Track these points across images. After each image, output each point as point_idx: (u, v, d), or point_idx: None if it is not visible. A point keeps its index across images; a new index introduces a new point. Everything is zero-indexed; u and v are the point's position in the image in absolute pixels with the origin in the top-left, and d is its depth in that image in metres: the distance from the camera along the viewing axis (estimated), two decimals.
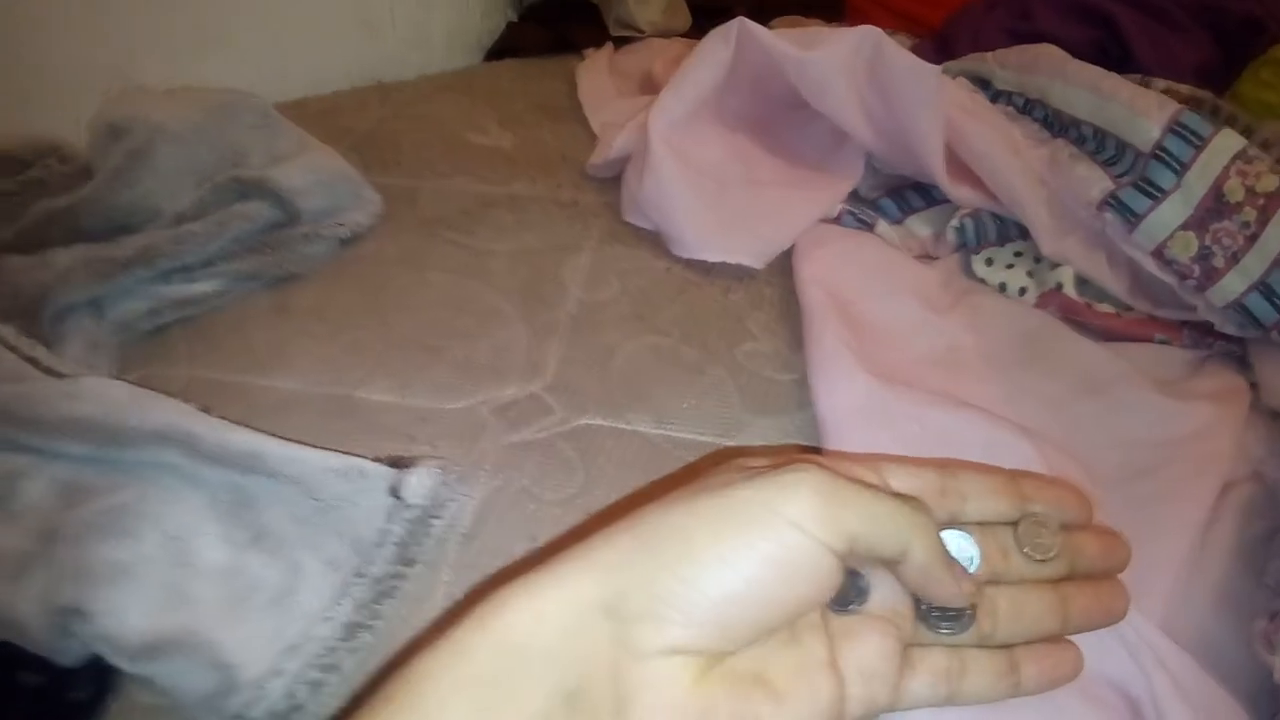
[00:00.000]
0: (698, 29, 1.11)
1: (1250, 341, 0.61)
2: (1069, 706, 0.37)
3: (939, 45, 1.06)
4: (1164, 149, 0.59)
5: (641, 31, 1.06)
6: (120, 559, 0.40)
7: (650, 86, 0.95)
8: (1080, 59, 0.95)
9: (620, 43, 1.06)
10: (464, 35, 1.09)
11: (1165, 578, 0.45)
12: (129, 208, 0.66)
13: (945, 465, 0.35)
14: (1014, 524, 0.34)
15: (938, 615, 0.32)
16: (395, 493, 0.42)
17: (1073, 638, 0.35)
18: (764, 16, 1.15)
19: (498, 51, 1.06)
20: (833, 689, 0.29)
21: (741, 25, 0.67)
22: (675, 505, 0.28)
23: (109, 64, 0.85)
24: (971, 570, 0.33)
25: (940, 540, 0.30)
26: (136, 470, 0.45)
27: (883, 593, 0.32)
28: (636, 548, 0.27)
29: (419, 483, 0.42)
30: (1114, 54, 0.96)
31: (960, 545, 0.33)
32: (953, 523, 0.34)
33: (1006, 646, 0.33)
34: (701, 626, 0.26)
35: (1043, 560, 0.34)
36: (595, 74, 0.94)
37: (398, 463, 0.44)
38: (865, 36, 0.66)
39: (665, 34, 1.08)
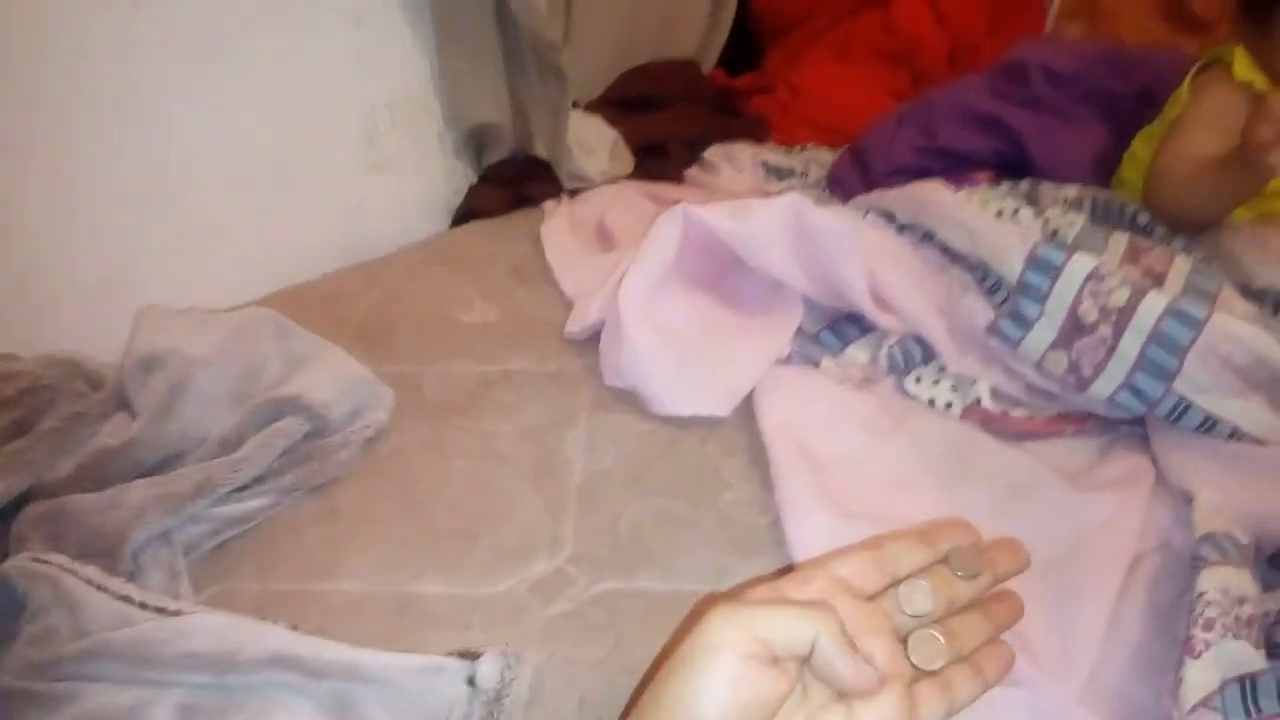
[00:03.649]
0: (641, 169, 1.25)
1: (1149, 423, 0.73)
2: None
3: (855, 159, 1.20)
4: (1025, 283, 0.72)
5: (592, 180, 1.19)
6: None
7: (605, 235, 1.07)
8: (984, 170, 1.09)
9: (574, 192, 1.19)
10: (433, 201, 1.20)
11: (1085, 653, 0.57)
12: (178, 438, 0.74)
13: (872, 543, 0.44)
14: (945, 560, 0.44)
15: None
16: (471, 681, 0.53)
17: None
18: (698, 147, 1.29)
19: (464, 214, 1.18)
20: None
21: (685, 210, 0.79)
22: (650, 687, 0.37)
23: (103, 269, 0.94)
24: (929, 605, 0.42)
25: (843, 631, 0.37)
26: (250, 690, 0.54)
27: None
28: None
29: (488, 670, 0.53)
30: (1015, 160, 1.09)
31: (915, 588, 0.42)
32: (893, 582, 0.43)
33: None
34: None
35: (975, 577, 0.44)
36: (558, 233, 1.06)
37: (467, 654, 0.54)
38: (790, 205, 0.79)
39: (612, 179, 1.21)
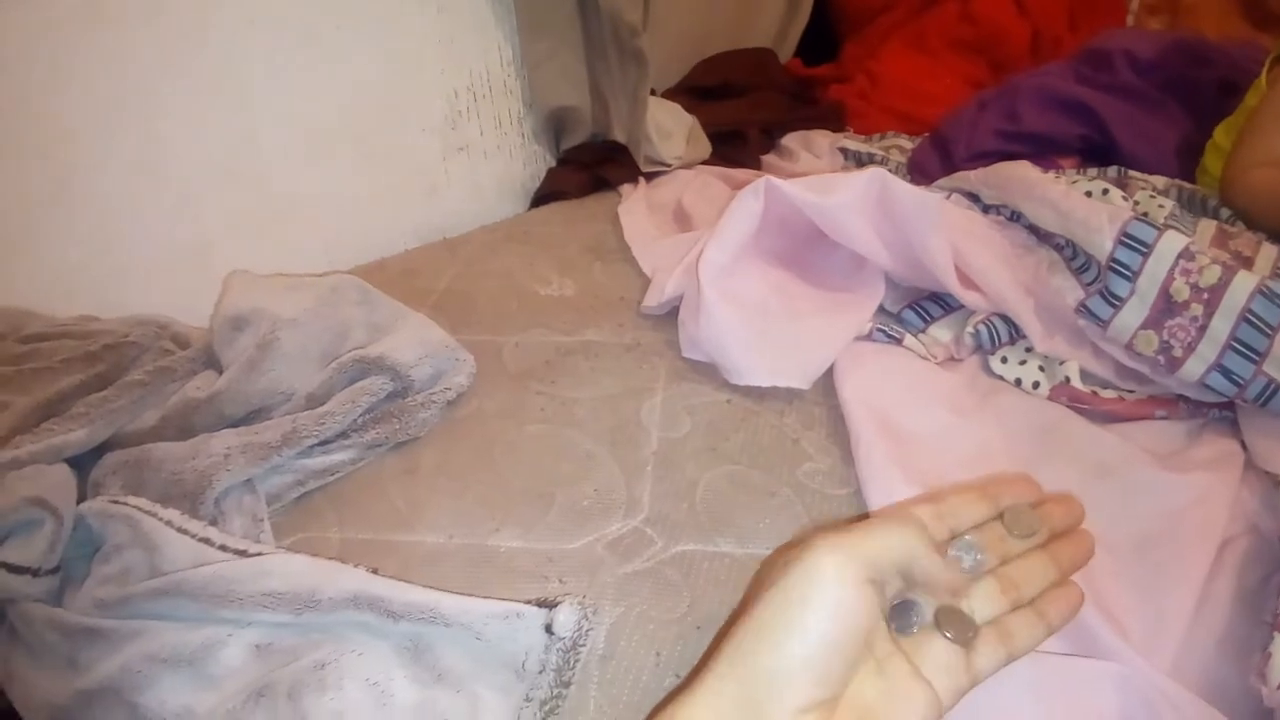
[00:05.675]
0: (717, 154, 1.24)
1: (1238, 408, 0.71)
2: None
3: (936, 145, 1.18)
4: (1116, 260, 0.70)
5: (669, 165, 1.19)
6: (336, 708, 0.51)
7: (682, 216, 1.07)
8: (1069, 156, 1.07)
9: (650, 176, 1.19)
10: (510, 184, 1.22)
11: (1173, 632, 0.55)
12: (265, 393, 0.76)
13: (933, 496, 0.46)
14: (1000, 516, 0.46)
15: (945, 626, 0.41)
16: (549, 628, 0.53)
17: (1093, 696, 0.48)
18: (775, 134, 1.28)
19: (543, 196, 1.19)
20: (924, 691, 0.39)
21: (767, 183, 0.79)
22: (751, 611, 0.38)
23: (186, 242, 0.97)
24: (982, 565, 0.43)
25: (930, 540, 0.40)
26: (328, 629, 0.55)
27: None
28: (736, 655, 0.38)
29: (566, 618, 0.53)
30: (1100, 146, 1.07)
31: (966, 553, 0.43)
32: (953, 536, 0.44)
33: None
34: (806, 685, 0.36)
35: (1030, 536, 0.45)
36: (635, 215, 1.07)
37: (545, 603, 0.54)
38: (873, 178, 0.78)
39: (689, 164, 1.21)
